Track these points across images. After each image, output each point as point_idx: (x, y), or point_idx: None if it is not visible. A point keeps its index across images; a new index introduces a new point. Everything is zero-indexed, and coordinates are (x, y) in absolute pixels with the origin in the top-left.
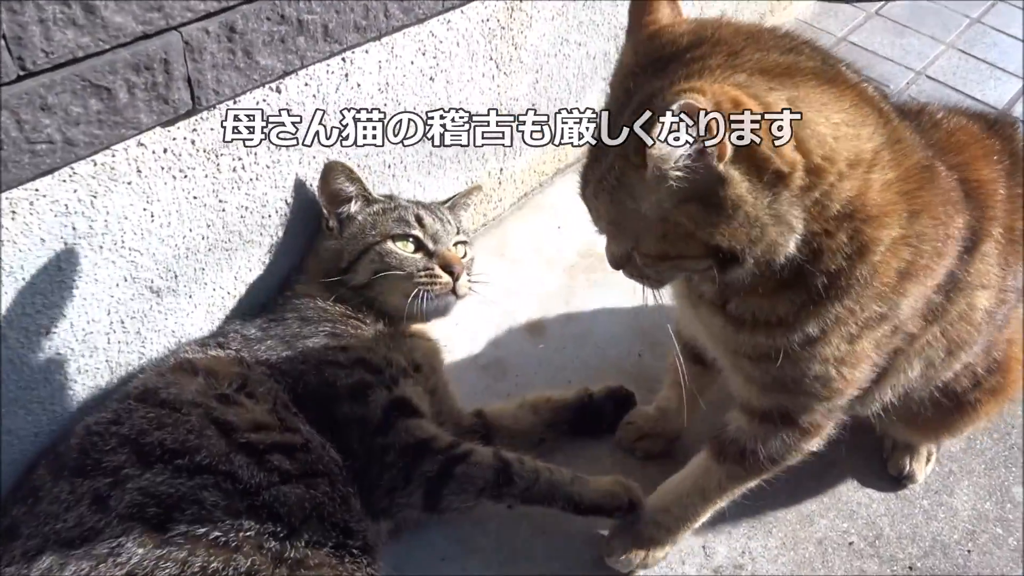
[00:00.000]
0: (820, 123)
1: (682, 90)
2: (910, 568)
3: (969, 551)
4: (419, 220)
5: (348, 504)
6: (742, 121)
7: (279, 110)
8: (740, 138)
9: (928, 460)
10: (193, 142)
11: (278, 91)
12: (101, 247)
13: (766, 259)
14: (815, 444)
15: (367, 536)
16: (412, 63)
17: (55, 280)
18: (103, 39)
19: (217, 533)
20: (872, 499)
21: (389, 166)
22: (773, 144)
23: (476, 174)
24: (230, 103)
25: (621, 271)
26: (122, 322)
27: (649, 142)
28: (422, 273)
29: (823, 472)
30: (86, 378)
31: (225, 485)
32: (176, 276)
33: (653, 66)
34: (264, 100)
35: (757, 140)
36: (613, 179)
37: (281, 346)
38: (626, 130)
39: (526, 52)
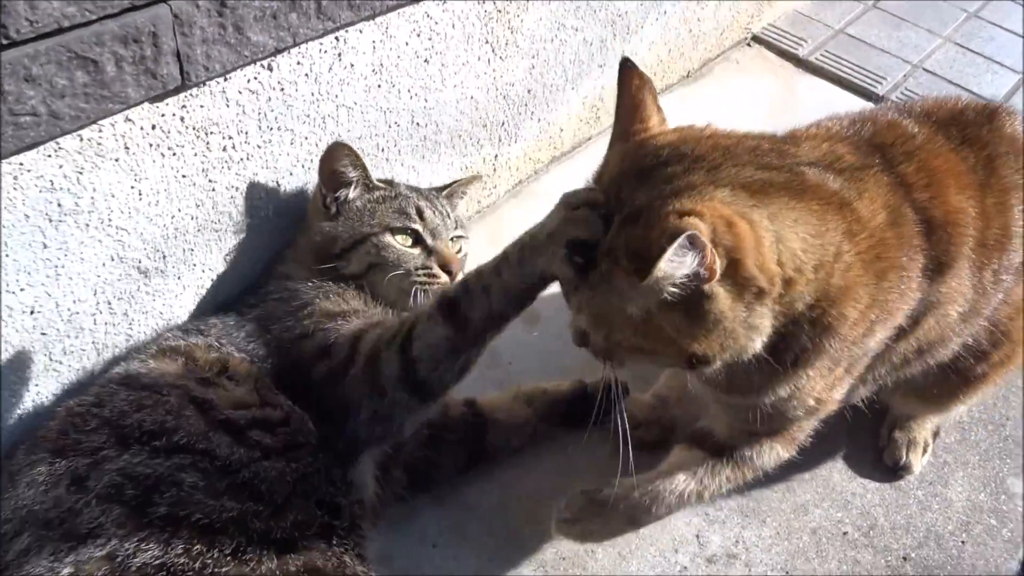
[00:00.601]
0: (791, 239)
1: (683, 212)
2: (904, 559)
3: (963, 542)
4: (420, 213)
5: (331, 475)
6: (731, 246)
7: (271, 88)
8: (727, 261)
9: (925, 451)
10: (182, 119)
11: (269, 69)
12: (87, 225)
13: (734, 359)
14: (791, 452)
15: (354, 512)
16: (407, 44)
17: (40, 258)
18: (90, 9)
19: (199, 515)
20: (867, 489)
21: (383, 149)
22: (756, 265)
23: (471, 159)
24: (220, 79)
25: (583, 348)
26: (109, 303)
27: (658, 266)
28: (420, 272)
29: (817, 462)
30: (71, 359)
31: (203, 464)
32: (164, 257)
33: (639, 176)
34: (255, 78)
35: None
36: (598, 277)
37: (259, 331)
38: (613, 234)
39: (522, 36)
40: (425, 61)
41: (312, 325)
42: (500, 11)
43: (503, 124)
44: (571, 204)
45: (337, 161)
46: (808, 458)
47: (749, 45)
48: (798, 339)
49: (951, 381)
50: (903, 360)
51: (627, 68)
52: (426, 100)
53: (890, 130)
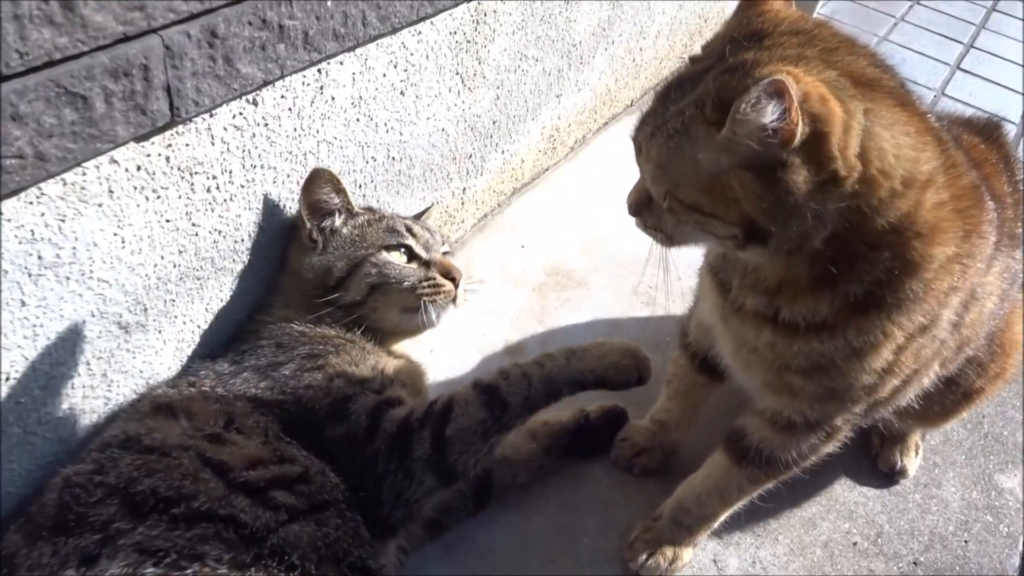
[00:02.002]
0: (884, 138)
1: (779, 70)
2: (915, 564)
3: (966, 541)
4: (409, 229)
5: (360, 535)
6: (818, 116)
7: (255, 124)
8: (811, 131)
9: (916, 453)
10: (168, 159)
11: (255, 103)
12: (68, 278)
13: (789, 247)
14: (834, 446)
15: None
16: (384, 76)
17: (17, 317)
18: (82, 40)
19: None
20: (867, 497)
21: (360, 185)
22: (839, 147)
23: (441, 193)
24: (207, 115)
25: (636, 219)
26: (88, 363)
27: (739, 108)
28: (425, 284)
29: (818, 474)
30: (47, 430)
31: (227, 534)
32: (146, 309)
33: (751, 38)
34: (241, 113)
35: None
36: (677, 124)
37: (257, 377)
38: (707, 82)
39: (489, 67)
40: (401, 93)
41: (323, 380)
42: (470, 41)
43: (471, 156)
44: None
45: (320, 189)
46: (808, 471)
47: None
48: (876, 266)
49: (952, 396)
50: (942, 362)
51: None
52: (401, 133)
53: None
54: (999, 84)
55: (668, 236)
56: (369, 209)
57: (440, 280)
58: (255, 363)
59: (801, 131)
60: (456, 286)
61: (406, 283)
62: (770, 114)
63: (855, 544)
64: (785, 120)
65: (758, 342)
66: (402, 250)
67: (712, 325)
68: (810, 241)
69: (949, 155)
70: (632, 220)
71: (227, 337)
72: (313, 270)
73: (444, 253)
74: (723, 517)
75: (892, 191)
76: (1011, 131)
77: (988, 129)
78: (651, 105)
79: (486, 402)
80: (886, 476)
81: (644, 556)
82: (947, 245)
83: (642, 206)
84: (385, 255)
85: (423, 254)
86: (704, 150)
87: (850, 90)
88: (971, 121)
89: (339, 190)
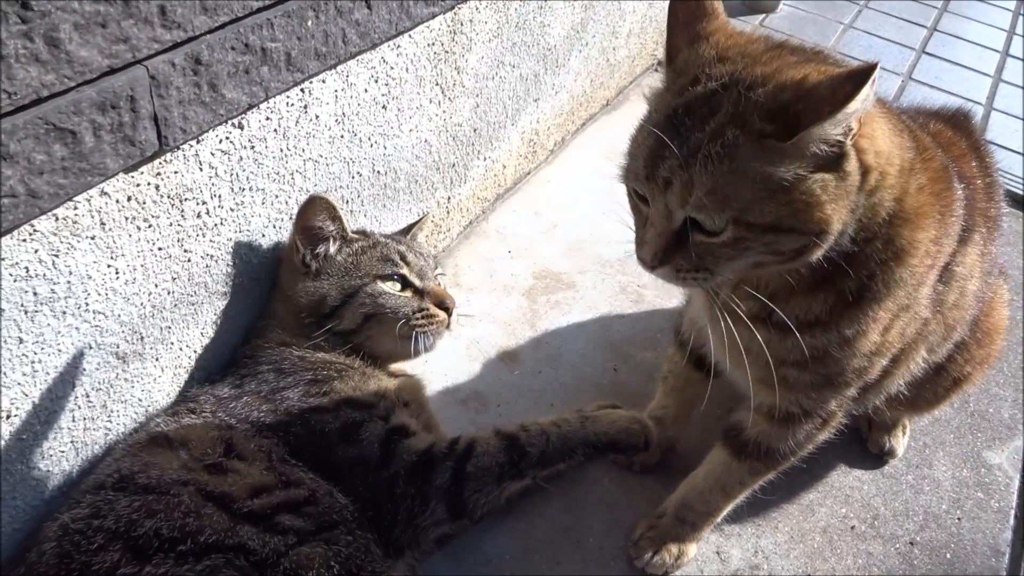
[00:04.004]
0: (884, 128)
1: (822, 71)
2: (911, 543)
3: (959, 519)
4: (403, 258)
5: (371, 552)
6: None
7: (242, 147)
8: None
9: (904, 434)
10: (157, 187)
11: (240, 127)
12: (64, 312)
13: (830, 245)
14: (830, 433)
15: None
16: (366, 91)
17: (16, 355)
18: (68, 75)
19: None
20: (862, 481)
21: (347, 201)
22: (868, 136)
23: (426, 204)
24: (194, 142)
25: (661, 269)
26: (87, 395)
27: (855, 99)
28: (419, 315)
29: (813, 461)
30: (50, 464)
31: (239, 562)
32: (143, 338)
33: (743, 59)
34: (227, 137)
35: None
36: (718, 148)
37: (259, 401)
38: (735, 99)
39: (467, 76)
40: (383, 107)
41: (330, 404)
42: (448, 52)
43: (454, 165)
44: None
45: (315, 216)
46: (805, 459)
47: (656, 70)
48: (870, 259)
49: (944, 382)
50: (928, 348)
51: None
52: (385, 147)
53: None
54: (964, 66)
55: (712, 273)
56: (364, 233)
57: (434, 311)
58: (256, 388)
59: (855, 127)
60: (450, 315)
61: (400, 313)
62: (862, 101)
63: (853, 528)
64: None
65: (751, 342)
66: (396, 279)
67: (703, 325)
68: (844, 237)
69: (918, 139)
70: (622, 226)
71: (224, 361)
72: (307, 295)
73: (438, 275)
74: (726, 511)
75: (893, 182)
76: (979, 113)
77: (956, 119)
78: (652, 143)
79: (506, 447)
80: (877, 457)
81: (650, 554)
82: (929, 229)
83: (671, 252)
84: (380, 285)
85: (417, 282)
86: (774, 164)
87: None
88: (940, 112)
89: (335, 217)
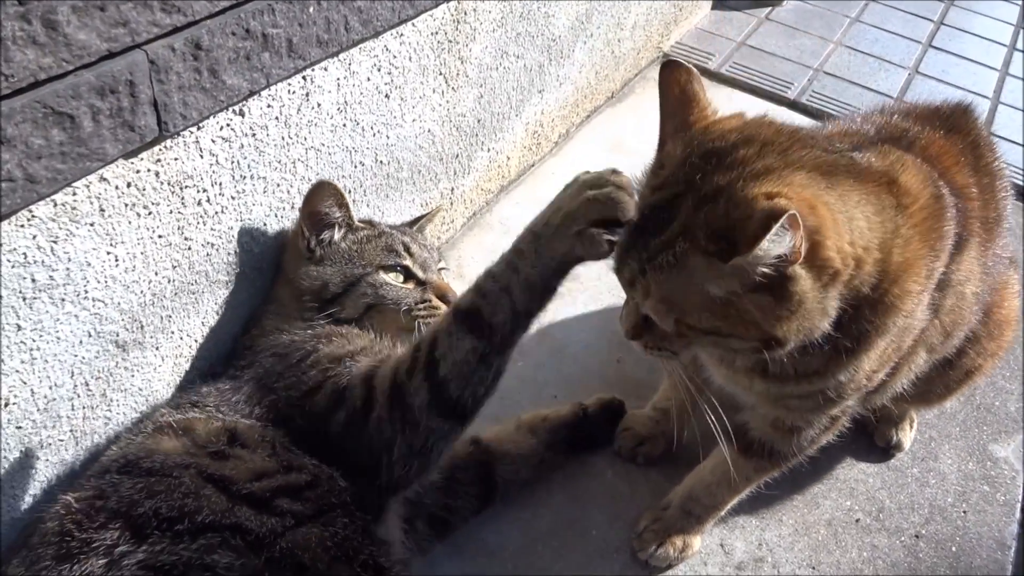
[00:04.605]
0: (859, 219)
1: (771, 194)
2: (916, 536)
3: (965, 512)
4: (407, 248)
5: (369, 533)
6: (813, 228)
7: (243, 135)
8: (810, 244)
9: (911, 427)
10: (157, 174)
11: (241, 114)
12: (63, 300)
13: (805, 342)
14: (834, 435)
15: (397, 573)
16: (368, 80)
17: (14, 342)
18: (66, 59)
19: None
20: (867, 473)
21: (350, 191)
22: (836, 247)
23: (430, 195)
24: (194, 128)
25: (635, 342)
26: (87, 384)
27: (760, 247)
28: (421, 306)
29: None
30: (49, 453)
31: (235, 541)
32: (143, 327)
33: (708, 158)
34: (228, 124)
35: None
36: (670, 258)
37: (262, 392)
38: (688, 211)
39: (471, 66)
40: (386, 96)
41: (319, 375)
42: (452, 41)
43: (457, 156)
44: (592, 184)
45: (322, 201)
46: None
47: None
48: (859, 322)
49: (955, 374)
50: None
51: (670, 65)
52: (388, 137)
53: (888, 126)
54: (971, 60)
55: (675, 353)
56: (370, 223)
57: (436, 303)
58: (255, 374)
59: (804, 248)
60: None
61: (403, 305)
62: (786, 245)
63: (858, 521)
64: (793, 244)
65: (750, 388)
66: (399, 269)
67: (703, 361)
68: (818, 332)
69: (900, 185)
70: None
71: (225, 350)
72: (309, 279)
73: (441, 269)
74: (731, 504)
75: (874, 260)
76: (984, 107)
77: (955, 117)
78: (626, 239)
79: (470, 329)
80: (883, 451)
81: (654, 546)
82: (919, 274)
83: (640, 329)
84: (382, 275)
85: (420, 274)
86: (711, 281)
87: (822, 183)
88: (939, 110)
89: (342, 204)
